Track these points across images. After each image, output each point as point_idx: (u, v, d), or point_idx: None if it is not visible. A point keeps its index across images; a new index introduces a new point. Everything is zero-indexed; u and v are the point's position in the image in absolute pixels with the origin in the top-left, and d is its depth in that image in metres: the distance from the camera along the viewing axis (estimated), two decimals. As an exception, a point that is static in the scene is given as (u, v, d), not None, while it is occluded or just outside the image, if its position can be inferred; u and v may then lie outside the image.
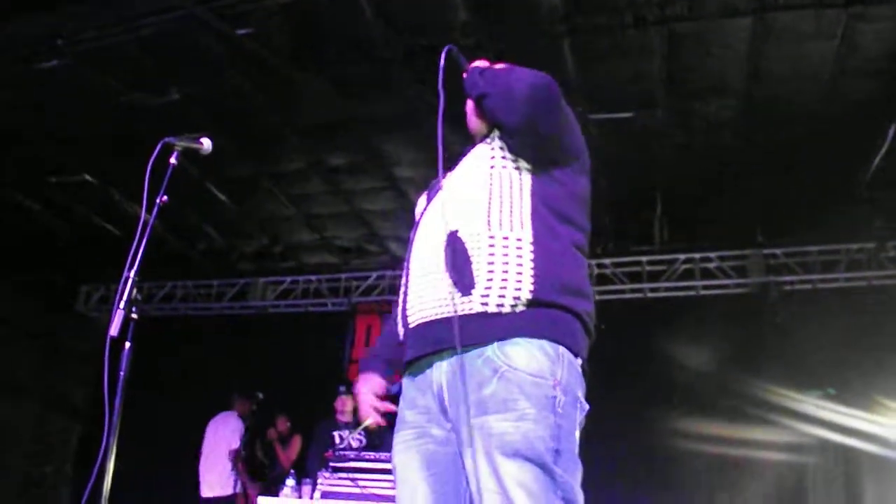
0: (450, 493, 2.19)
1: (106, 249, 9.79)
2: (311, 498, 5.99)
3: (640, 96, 6.55)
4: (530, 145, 2.35)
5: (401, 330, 2.34)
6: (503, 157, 2.38)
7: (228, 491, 8.00)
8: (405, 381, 2.35)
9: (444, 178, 2.44)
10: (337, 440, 7.11)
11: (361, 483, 5.95)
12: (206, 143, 2.77)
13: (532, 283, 2.16)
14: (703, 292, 8.67)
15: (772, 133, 6.89)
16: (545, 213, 2.29)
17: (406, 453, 2.26)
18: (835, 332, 7.87)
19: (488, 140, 2.46)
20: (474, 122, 2.59)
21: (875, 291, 8.31)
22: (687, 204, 7.99)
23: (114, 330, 2.42)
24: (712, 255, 8.71)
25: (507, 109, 2.31)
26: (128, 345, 2.48)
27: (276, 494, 6.45)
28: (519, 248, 2.20)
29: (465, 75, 2.51)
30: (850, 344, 7.77)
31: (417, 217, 2.56)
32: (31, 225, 9.37)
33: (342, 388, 7.63)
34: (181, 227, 9.39)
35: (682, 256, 8.73)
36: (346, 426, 7.15)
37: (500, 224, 2.24)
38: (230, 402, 8.45)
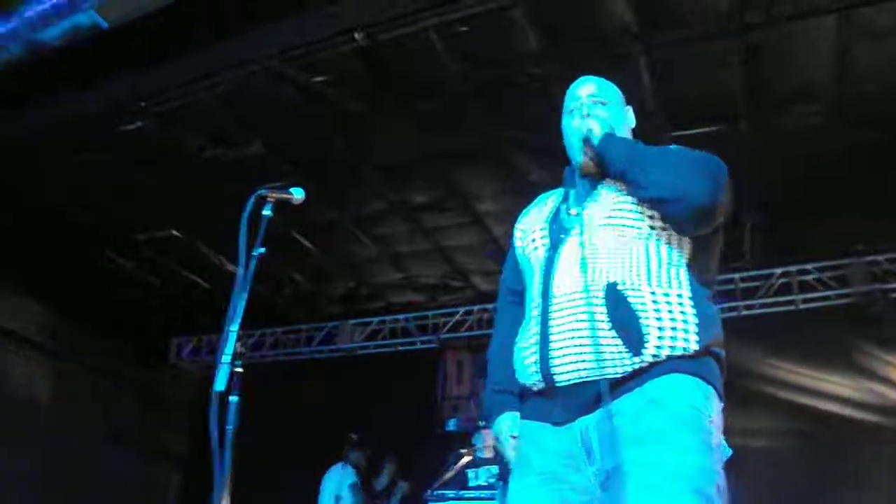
0: None
1: (196, 302, 9.99)
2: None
3: (722, 109, 6.38)
4: (710, 223, 2.29)
5: (539, 381, 2.22)
6: (653, 217, 2.28)
7: None
8: (535, 425, 2.26)
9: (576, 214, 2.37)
10: (472, 476, 7.06)
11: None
12: (298, 193, 2.77)
13: (696, 341, 2.13)
14: (802, 306, 8.36)
15: (863, 134, 6.62)
16: (696, 268, 2.28)
17: (533, 498, 2.16)
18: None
19: (629, 197, 2.33)
20: (588, 165, 2.44)
21: None
22: (779, 216, 7.74)
23: (220, 384, 2.41)
24: (810, 266, 8.40)
25: (693, 207, 2.22)
26: (234, 399, 2.47)
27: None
28: (681, 303, 2.17)
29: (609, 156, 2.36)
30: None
31: (535, 255, 2.41)
32: (123, 281, 9.60)
33: (482, 423, 7.59)
34: (267, 275, 9.48)
35: (778, 270, 8.45)
36: (486, 461, 7.04)
37: (660, 280, 2.19)
38: (341, 452, 8.43)
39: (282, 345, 10.83)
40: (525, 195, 7.99)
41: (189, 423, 11.01)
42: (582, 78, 2.62)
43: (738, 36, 5.68)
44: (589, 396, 2.12)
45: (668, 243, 2.26)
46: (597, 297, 2.15)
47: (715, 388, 2.15)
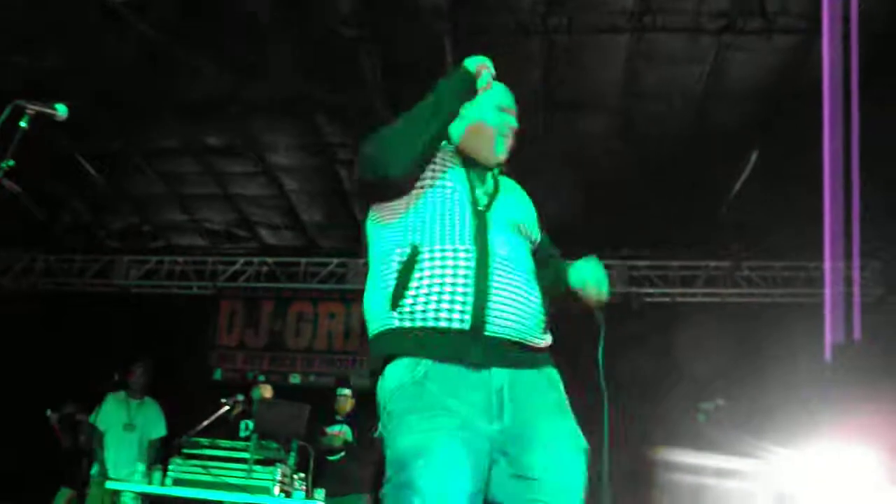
0: (480, 483, 2.16)
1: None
2: (162, 484, 5.89)
3: (517, 103, 6.62)
4: None
5: (459, 321, 2.25)
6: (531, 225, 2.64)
7: None
8: (449, 368, 2.25)
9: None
10: (242, 427, 7.07)
11: (214, 471, 5.87)
12: (61, 110, 2.69)
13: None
14: (565, 301, 8.83)
15: (642, 149, 7.12)
16: None
17: (450, 439, 2.15)
18: (691, 344, 8.16)
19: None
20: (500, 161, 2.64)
21: (730, 308, 8.71)
22: (555, 212, 8.11)
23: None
24: (577, 263, 8.92)
25: None
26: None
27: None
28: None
29: None
30: (703, 357, 8.08)
31: (453, 198, 2.44)
32: None
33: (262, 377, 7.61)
34: (46, 199, 9.04)
35: (546, 265, 8.89)
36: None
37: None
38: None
39: (53, 273, 10.33)
40: (319, 154, 8.05)
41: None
42: (500, 84, 2.74)
43: (540, 35, 5.95)
44: (519, 358, 2.31)
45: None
46: (528, 273, 2.40)
47: None
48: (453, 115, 2.43)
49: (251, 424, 6.96)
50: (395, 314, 2.27)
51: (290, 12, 5.96)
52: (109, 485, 6.37)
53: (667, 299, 8.87)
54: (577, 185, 7.61)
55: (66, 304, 10.03)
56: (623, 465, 7.56)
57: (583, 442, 2.26)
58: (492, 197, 2.48)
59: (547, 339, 2.39)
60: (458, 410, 2.18)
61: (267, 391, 7.41)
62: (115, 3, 5.92)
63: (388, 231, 2.40)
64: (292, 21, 6.03)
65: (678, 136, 6.90)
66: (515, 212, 2.52)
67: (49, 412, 8.29)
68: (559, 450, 2.21)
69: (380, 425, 2.33)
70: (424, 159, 2.39)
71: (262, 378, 8.89)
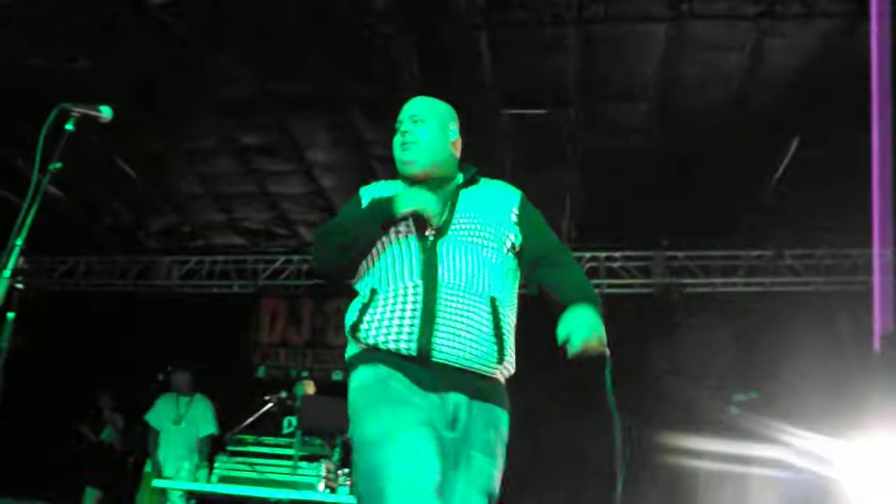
0: (441, 472, 2.25)
1: (7, 219, 9.44)
2: (208, 481, 5.93)
3: (555, 94, 6.62)
4: None
5: (412, 350, 2.38)
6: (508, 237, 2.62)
7: None
8: (414, 371, 2.38)
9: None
10: (285, 424, 7.11)
11: (259, 468, 5.90)
12: (106, 112, 2.71)
13: (514, 365, 2.55)
14: (607, 291, 8.80)
15: (680, 138, 7.05)
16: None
17: (417, 428, 2.28)
18: (733, 334, 8.09)
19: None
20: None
21: (772, 297, 8.60)
22: (595, 203, 8.11)
23: (-3, 301, 2.35)
24: (617, 254, 8.89)
25: None
26: (10, 315, 2.41)
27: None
28: (512, 328, 2.53)
29: None
30: (746, 347, 8.00)
31: (399, 240, 2.55)
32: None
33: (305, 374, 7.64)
34: (87, 201, 9.13)
35: (587, 255, 8.85)
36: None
37: (512, 301, 2.56)
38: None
39: (95, 275, 10.43)
40: (357, 151, 8.06)
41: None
42: (413, 98, 2.78)
43: (577, 26, 5.91)
44: (459, 379, 2.39)
45: (513, 265, 2.60)
46: (482, 300, 2.44)
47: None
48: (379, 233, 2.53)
49: (294, 421, 7.00)
50: (356, 341, 2.49)
51: (325, 9, 5.96)
52: (156, 483, 6.45)
53: (708, 289, 8.77)
54: (616, 176, 7.58)
55: (108, 306, 10.13)
56: (660, 456, 7.64)
57: (494, 488, 2.40)
58: (444, 223, 2.53)
59: (503, 368, 2.47)
60: (423, 407, 2.33)
61: (310, 387, 7.45)
62: (148, 3, 5.96)
63: (358, 286, 2.60)
64: (328, 18, 6.04)
65: (717, 123, 6.83)
66: (478, 226, 2.54)
67: (81, 426, 8.45)
68: (476, 486, 2.35)
69: (350, 427, 2.43)
70: (358, 260, 2.55)
71: (304, 374, 8.98)
